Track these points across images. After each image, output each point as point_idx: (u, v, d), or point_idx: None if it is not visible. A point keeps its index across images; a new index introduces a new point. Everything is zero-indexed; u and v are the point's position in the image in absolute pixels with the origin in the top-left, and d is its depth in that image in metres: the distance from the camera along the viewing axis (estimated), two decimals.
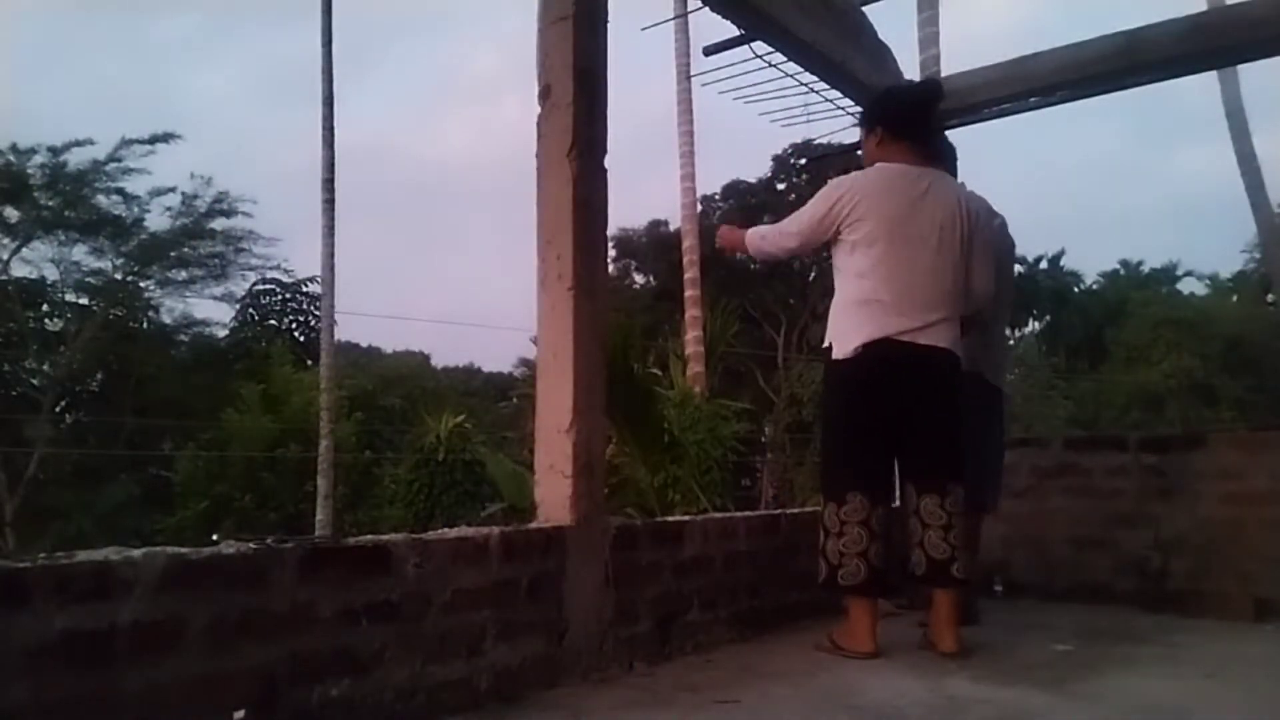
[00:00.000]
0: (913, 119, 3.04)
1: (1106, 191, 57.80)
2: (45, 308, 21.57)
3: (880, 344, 2.78)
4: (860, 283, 2.83)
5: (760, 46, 3.99)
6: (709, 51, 4.13)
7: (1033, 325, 30.84)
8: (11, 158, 19.14)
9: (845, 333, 2.85)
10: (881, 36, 4.42)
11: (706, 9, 3.55)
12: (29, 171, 19.34)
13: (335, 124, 14.68)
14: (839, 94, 4.43)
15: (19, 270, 20.30)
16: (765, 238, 3.14)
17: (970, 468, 2.95)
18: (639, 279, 29.46)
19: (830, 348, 2.90)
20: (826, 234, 2.90)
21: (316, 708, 1.80)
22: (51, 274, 20.69)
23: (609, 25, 2.69)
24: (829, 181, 2.96)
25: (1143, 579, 3.73)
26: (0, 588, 1.42)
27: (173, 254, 21.37)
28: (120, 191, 20.28)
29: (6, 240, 19.74)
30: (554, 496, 2.48)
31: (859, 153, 4.03)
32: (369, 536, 2.03)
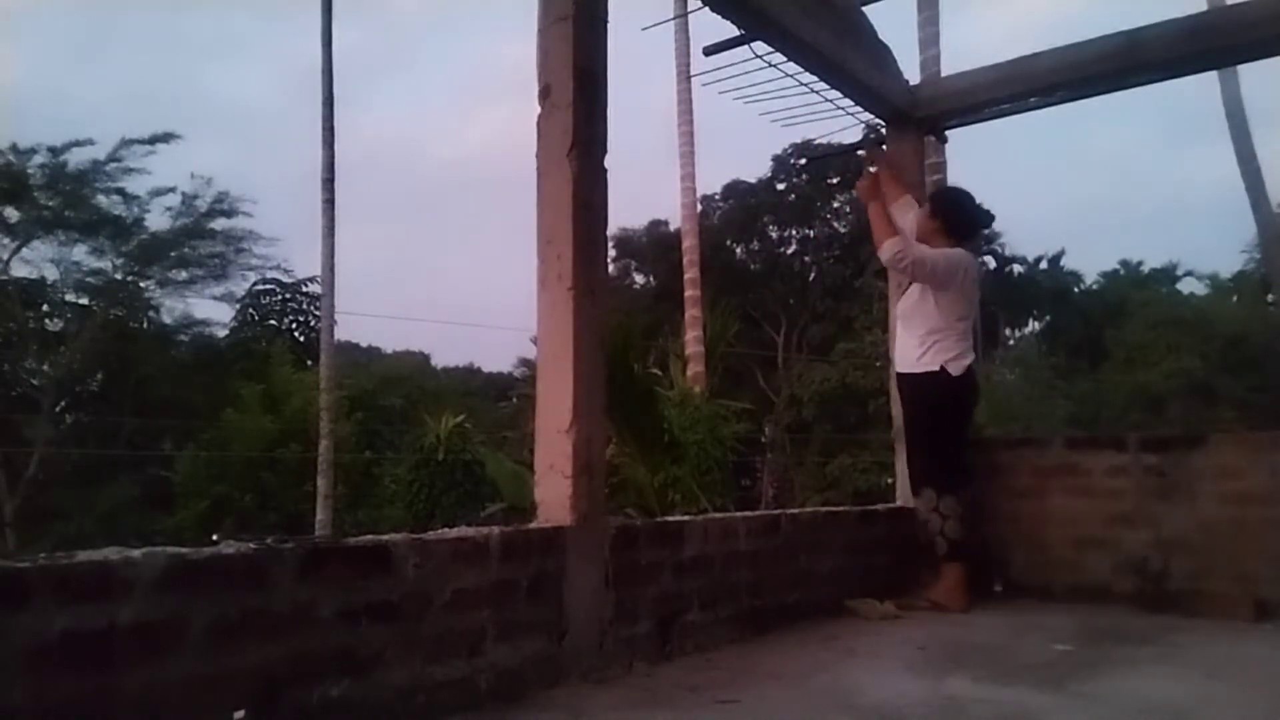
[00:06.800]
0: (970, 232, 4.13)
1: (1106, 191, 57.81)
2: (45, 308, 21.57)
3: (969, 367, 3.82)
4: (957, 324, 3.82)
5: (760, 46, 3.99)
6: (709, 51, 4.12)
7: (1033, 325, 30.85)
8: (11, 158, 19.16)
9: (957, 356, 3.78)
10: (881, 36, 4.42)
11: (706, 9, 3.54)
12: (29, 171, 19.35)
13: (335, 124, 14.69)
14: (839, 94, 4.42)
15: (19, 270, 20.34)
16: (899, 252, 3.81)
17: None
18: (639, 279, 29.48)
19: (942, 367, 3.76)
20: (941, 282, 3.80)
21: (316, 708, 1.80)
22: (51, 274, 20.74)
23: (609, 25, 2.69)
24: (954, 254, 3.85)
25: (1143, 579, 3.73)
26: (0, 588, 1.42)
27: (173, 254, 21.39)
28: (120, 191, 20.31)
29: (6, 240, 19.77)
30: (554, 496, 2.48)
31: (859, 153, 4.32)
32: (369, 536, 2.02)
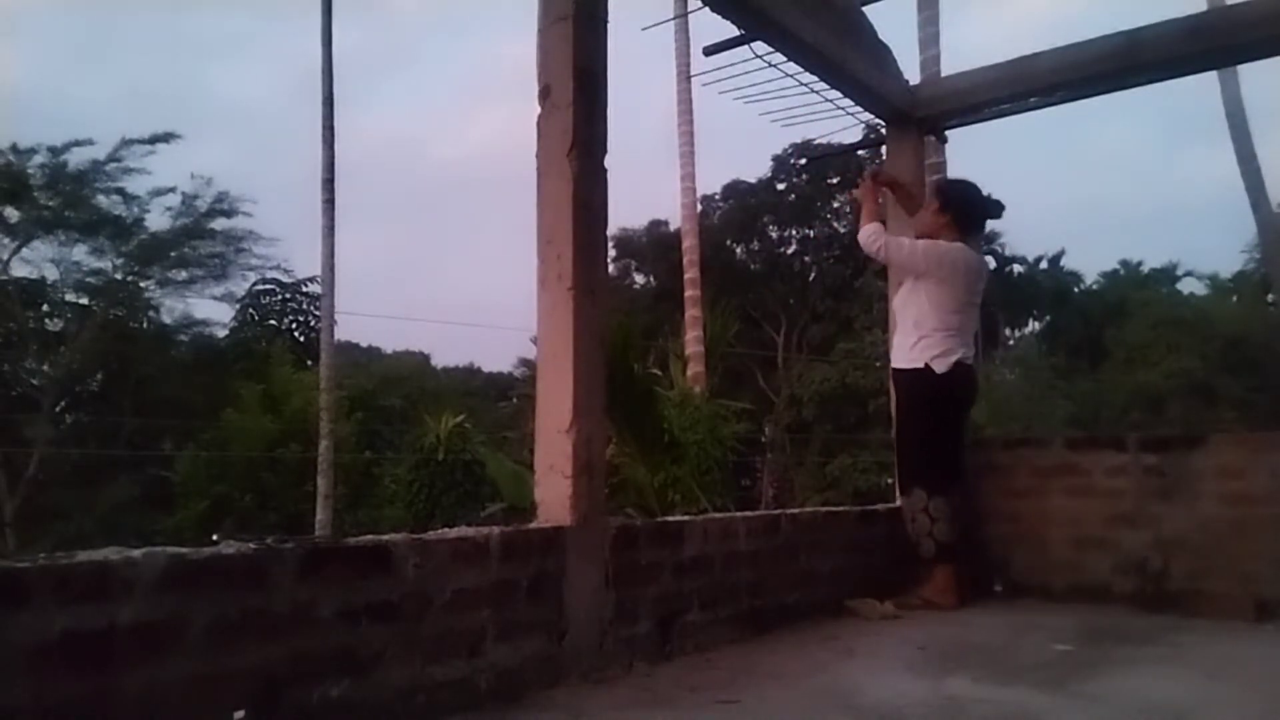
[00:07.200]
0: (980, 225, 4.20)
1: (1106, 191, 57.81)
2: (45, 308, 21.57)
3: (959, 363, 3.73)
4: (947, 319, 3.74)
5: (760, 46, 3.99)
6: (709, 51, 4.13)
7: (1033, 325, 30.85)
8: (11, 158, 19.17)
9: (943, 353, 3.72)
10: (881, 36, 4.42)
11: (706, 9, 3.54)
12: (29, 171, 19.36)
13: (335, 124, 14.71)
14: (839, 94, 4.42)
15: (19, 270, 20.35)
16: (873, 235, 3.89)
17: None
18: (639, 279, 29.48)
19: (927, 365, 3.72)
20: (918, 269, 3.81)
21: (316, 708, 1.80)
22: (51, 274, 20.75)
23: (609, 25, 2.69)
24: (942, 244, 3.81)
25: (1143, 579, 3.73)
26: (0, 588, 1.42)
27: (173, 254, 21.40)
28: (120, 191, 20.32)
29: (6, 240, 19.78)
30: (554, 496, 2.48)
31: (860, 153, 4.34)
32: (369, 536, 2.02)
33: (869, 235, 3.88)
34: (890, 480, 5.17)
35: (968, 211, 3.95)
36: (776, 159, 27.15)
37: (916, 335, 3.78)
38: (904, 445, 3.93)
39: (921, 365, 3.74)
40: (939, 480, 3.73)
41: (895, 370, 3.92)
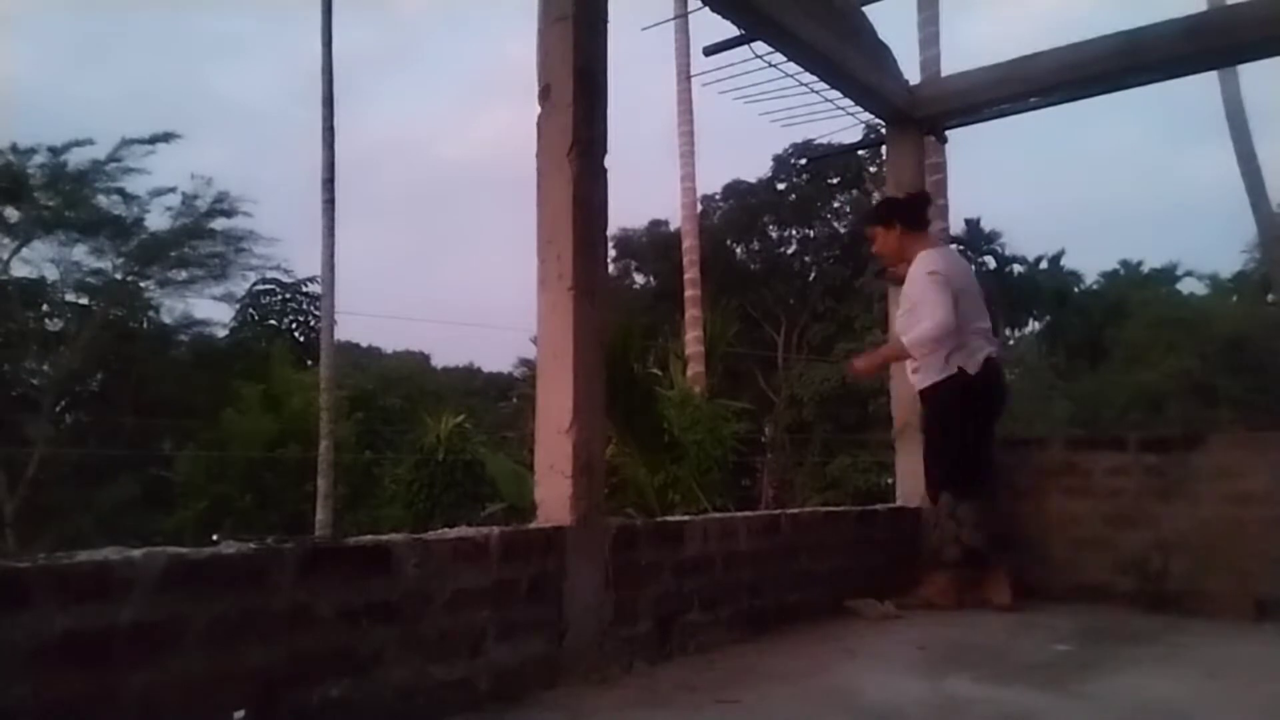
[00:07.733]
0: (924, 217, 4.03)
1: (1106, 191, 57.78)
2: (45, 308, 21.59)
3: (989, 359, 3.70)
4: (974, 323, 3.70)
5: (760, 46, 3.99)
6: (709, 52, 4.13)
7: (1033, 325, 30.82)
8: (11, 158, 19.17)
9: (972, 353, 3.66)
10: (881, 36, 4.42)
11: (706, 9, 3.54)
12: (29, 171, 19.36)
13: (335, 124, 14.69)
14: (839, 94, 4.43)
15: (19, 270, 20.36)
16: (923, 341, 3.69)
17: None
18: (639, 279, 29.44)
19: (960, 369, 3.64)
20: (947, 304, 3.63)
21: (316, 708, 1.80)
22: (51, 274, 20.77)
23: (609, 25, 2.69)
24: (926, 269, 3.70)
25: (1143, 579, 3.73)
26: (0, 588, 1.42)
27: (173, 254, 21.42)
28: (120, 191, 20.34)
29: (6, 240, 19.79)
30: (554, 496, 2.48)
31: (860, 153, 4.36)
32: (369, 536, 2.02)
33: (918, 339, 3.69)
34: (890, 480, 5.17)
35: (906, 214, 3.98)
36: (777, 159, 27.14)
37: (950, 346, 3.66)
38: (934, 452, 3.82)
39: (954, 371, 3.66)
40: (967, 484, 3.69)
41: (924, 390, 3.78)
